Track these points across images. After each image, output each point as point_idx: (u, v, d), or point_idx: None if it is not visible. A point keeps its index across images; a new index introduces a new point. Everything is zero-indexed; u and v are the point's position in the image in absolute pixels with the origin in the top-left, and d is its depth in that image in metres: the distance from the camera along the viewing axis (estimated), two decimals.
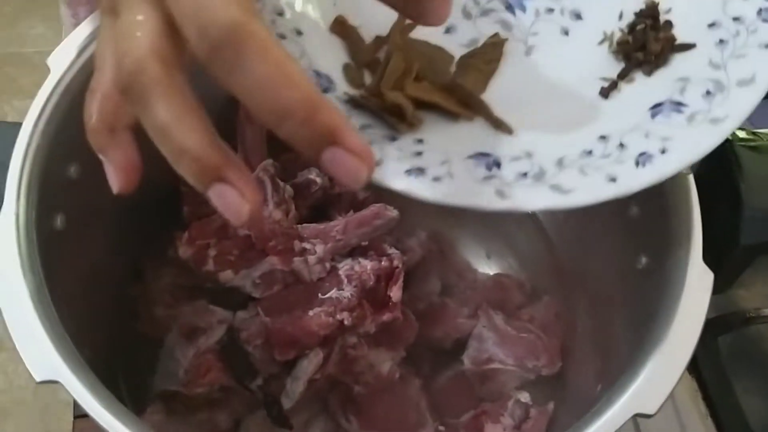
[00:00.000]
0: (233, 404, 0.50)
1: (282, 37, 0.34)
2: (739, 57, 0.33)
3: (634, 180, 0.32)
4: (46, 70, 0.44)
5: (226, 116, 0.41)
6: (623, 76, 0.36)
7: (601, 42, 0.37)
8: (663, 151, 0.32)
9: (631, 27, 0.37)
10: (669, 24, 0.36)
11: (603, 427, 0.36)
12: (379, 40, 0.36)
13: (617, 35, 0.37)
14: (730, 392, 0.61)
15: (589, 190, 0.31)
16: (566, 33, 0.37)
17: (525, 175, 0.32)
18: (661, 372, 0.37)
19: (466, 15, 0.38)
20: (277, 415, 0.50)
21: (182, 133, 0.24)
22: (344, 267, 0.50)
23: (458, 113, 0.34)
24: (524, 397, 0.52)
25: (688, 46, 0.35)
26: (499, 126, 0.34)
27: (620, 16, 0.37)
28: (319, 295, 0.49)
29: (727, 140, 0.33)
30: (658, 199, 0.35)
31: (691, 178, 0.41)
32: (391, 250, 0.52)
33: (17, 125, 0.42)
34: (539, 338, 0.53)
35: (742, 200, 0.51)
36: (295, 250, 0.49)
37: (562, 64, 0.37)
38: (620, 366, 0.42)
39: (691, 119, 0.33)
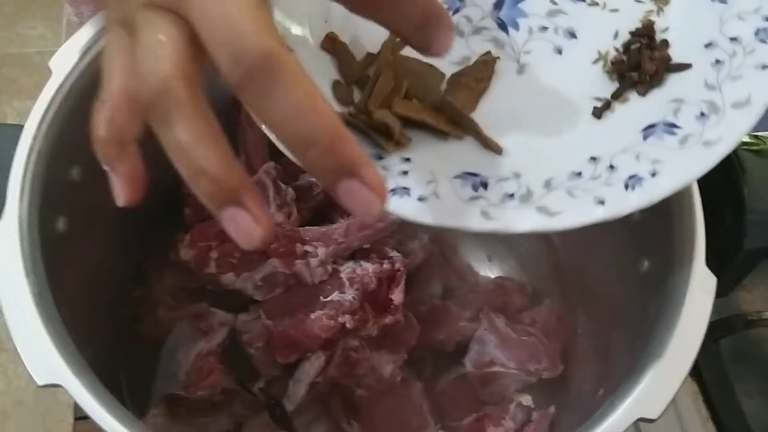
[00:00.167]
0: (235, 407, 0.50)
1: None
2: (735, 78, 0.33)
3: (623, 203, 0.31)
4: (47, 71, 0.43)
5: (228, 119, 0.41)
6: (617, 96, 0.35)
7: (595, 61, 0.36)
8: (653, 174, 0.31)
9: (626, 46, 0.36)
10: (665, 43, 0.36)
11: None
12: (369, 57, 0.35)
13: (612, 54, 0.36)
14: (731, 395, 0.61)
15: (576, 212, 0.31)
16: (560, 52, 0.37)
17: (512, 196, 0.32)
18: (664, 377, 0.37)
19: (459, 33, 0.37)
20: (279, 418, 0.50)
21: (202, 153, 0.25)
22: (346, 270, 0.50)
23: (447, 132, 0.34)
24: (526, 400, 0.52)
25: (683, 66, 0.35)
26: (489, 145, 0.34)
27: (615, 35, 0.37)
28: (321, 297, 0.49)
29: None
30: (660, 203, 0.35)
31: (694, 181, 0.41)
32: (393, 253, 0.52)
33: (19, 127, 0.42)
34: (541, 341, 0.53)
35: (745, 204, 0.51)
36: (296, 253, 0.49)
37: (555, 84, 0.36)
38: (622, 370, 0.42)
39: (683, 141, 0.32)
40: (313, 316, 0.48)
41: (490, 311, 0.54)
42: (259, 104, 0.24)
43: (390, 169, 0.33)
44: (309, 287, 0.50)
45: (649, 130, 0.33)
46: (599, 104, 0.35)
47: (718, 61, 0.33)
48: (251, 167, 0.53)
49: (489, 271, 0.60)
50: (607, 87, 0.36)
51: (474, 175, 0.33)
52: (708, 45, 0.34)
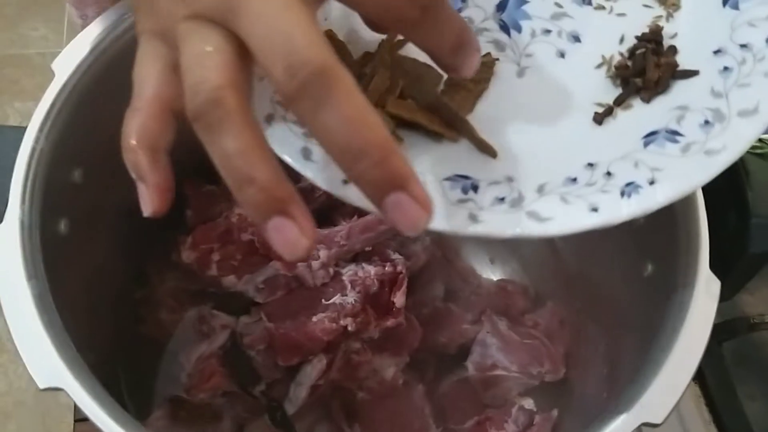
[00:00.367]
0: (236, 410, 0.50)
1: None
2: (742, 86, 0.32)
3: (617, 211, 0.30)
4: (48, 72, 0.43)
5: None
6: (620, 102, 0.34)
7: (599, 66, 0.35)
8: (651, 182, 0.30)
9: (632, 51, 0.35)
10: (673, 50, 0.35)
11: None
12: (366, 56, 0.35)
13: (616, 59, 0.35)
14: (733, 398, 0.60)
15: (567, 219, 0.30)
16: (562, 55, 0.36)
17: (502, 200, 0.31)
18: (668, 382, 0.37)
19: None
20: (280, 421, 0.50)
21: (252, 163, 0.25)
22: (348, 272, 0.50)
23: (441, 134, 0.33)
24: (528, 403, 0.52)
25: (690, 73, 0.34)
26: (484, 148, 0.33)
27: (621, 40, 0.36)
28: (323, 300, 0.49)
29: None
30: (664, 207, 0.35)
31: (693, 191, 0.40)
32: (395, 256, 0.51)
33: (21, 129, 0.42)
34: (543, 344, 0.53)
35: (750, 208, 0.50)
36: None
37: (556, 88, 0.35)
38: (626, 374, 0.42)
39: (685, 150, 0.31)
40: (314, 318, 0.48)
41: (492, 314, 0.54)
42: (312, 116, 0.25)
43: None
44: (311, 290, 0.50)
45: (650, 137, 0.32)
46: (601, 110, 0.34)
47: (726, 69, 0.33)
48: None
49: (491, 273, 0.60)
50: (609, 92, 0.35)
51: (465, 177, 0.32)
52: (717, 52, 0.33)
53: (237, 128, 0.25)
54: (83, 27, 0.45)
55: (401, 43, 0.34)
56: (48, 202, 0.41)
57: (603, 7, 0.37)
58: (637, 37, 0.36)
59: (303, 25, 0.25)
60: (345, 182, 0.30)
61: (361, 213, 0.52)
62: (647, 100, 0.34)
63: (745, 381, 0.62)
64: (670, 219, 0.41)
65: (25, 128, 0.42)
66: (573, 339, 0.54)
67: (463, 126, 0.33)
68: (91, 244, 0.47)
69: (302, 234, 0.25)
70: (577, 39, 0.36)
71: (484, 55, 0.37)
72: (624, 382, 0.41)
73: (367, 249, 0.52)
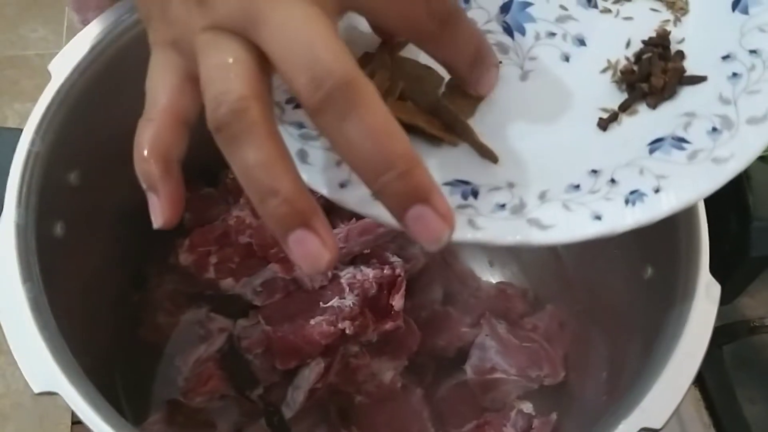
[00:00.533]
0: (233, 413, 0.50)
1: None
2: (752, 93, 0.31)
3: (621, 220, 0.29)
4: (48, 73, 0.43)
5: None
6: (625, 107, 0.33)
7: (604, 70, 0.35)
8: (656, 190, 0.30)
9: (638, 56, 0.34)
10: (680, 54, 0.34)
11: None
12: (367, 56, 0.34)
13: (622, 64, 0.35)
14: (733, 402, 0.60)
15: (569, 227, 0.29)
16: (567, 59, 0.35)
17: (503, 206, 0.30)
18: (668, 386, 0.36)
19: None
20: (277, 425, 0.50)
21: (275, 175, 0.25)
22: (346, 275, 0.50)
23: (440, 137, 0.33)
24: (527, 407, 0.52)
25: (698, 79, 0.33)
26: (484, 153, 0.32)
27: (627, 44, 0.35)
28: (321, 303, 0.49)
29: None
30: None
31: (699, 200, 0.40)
32: (394, 258, 0.51)
33: (17, 131, 0.42)
34: (542, 347, 0.53)
35: (751, 212, 0.50)
36: None
37: (560, 92, 0.34)
38: (626, 377, 0.42)
39: (692, 157, 0.30)
40: (312, 321, 0.48)
41: (491, 317, 0.54)
42: (336, 128, 0.25)
43: None
44: (309, 293, 0.50)
45: (656, 144, 0.31)
46: (605, 115, 0.33)
47: (735, 74, 0.32)
48: None
49: (491, 276, 0.60)
50: (615, 97, 0.34)
51: (465, 183, 0.31)
52: (725, 57, 0.33)
53: (260, 139, 0.25)
54: None
55: (402, 44, 0.34)
56: (44, 204, 0.41)
57: (609, 11, 0.36)
58: (643, 42, 0.35)
59: (325, 36, 0.25)
60: (342, 185, 0.30)
61: (359, 215, 0.52)
62: (653, 105, 0.33)
63: (745, 384, 0.61)
64: (671, 222, 0.41)
65: (21, 130, 0.42)
66: (572, 342, 0.54)
67: (463, 130, 0.33)
68: (88, 247, 0.47)
69: (324, 247, 0.25)
70: (582, 42, 0.36)
71: None
72: (624, 386, 0.40)
73: (365, 252, 0.52)
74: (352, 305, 0.48)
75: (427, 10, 0.28)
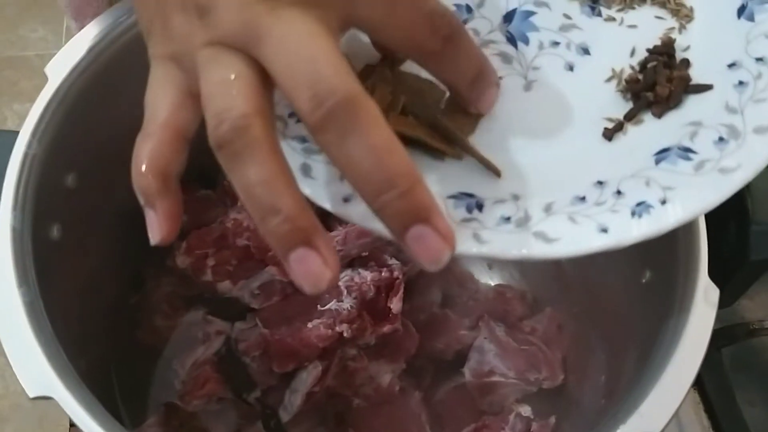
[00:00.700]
0: (231, 417, 0.50)
1: None
2: (759, 101, 0.31)
3: (627, 232, 0.29)
4: (46, 75, 0.43)
5: None
6: (631, 117, 0.33)
7: (609, 79, 0.34)
8: (663, 202, 0.29)
9: (643, 64, 0.34)
10: (686, 63, 0.33)
11: None
12: (368, 69, 0.34)
13: (627, 72, 0.34)
14: (733, 405, 0.60)
15: (575, 240, 0.29)
16: (571, 68, 0.35)
17: (508, 219, 0.30)
18: (667, 390, 0.36)
19: None
20: (274, 428, 0.50)
21: (277, 192, 0.25)
22: (344, 278, 0.50)
23: (443, 151, 0.32)
24: (525, 410, 0.52)
25: (704, 87, 0.32)
26: (488, 166, 0.32)
27: (632, 53, 0.34)
28: (319, 306, 0.49)
29: None
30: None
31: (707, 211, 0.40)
32: (392, 261, 0.51)
33: (14, 133, 0.42)
34: (541, 350, 0.53)
35: (749, 215, 0.50)
36: None
37: (564, 102, 0.34)
38: (625, 381, 0.42)
39: (698, 167, 0.30)
40: (310, 324, 0.48)
41: (490, 320, 0.54)
42: (337, 146, 0.24)
43: None
44: (306, 295, 0.49)
45: (662, 154, 0.31)
46: (610, 125, 0.33)
47: (741, 83, 0.31)
48: None
49: (489, 278, 0.59)
50: (620, 107, 0.33)
51: (469, 195, 0.31)
52: (731, 65, 0.32)
53: (262, 156, 0.25)
54: None
55: (403, 59, 0.34)
56: (40, 207, 0.41)
57: (613, 19, 0.36)
58: (648, 50, 0.34)
59: (327, 53, 0.25)
60: (345, 200, 0.30)
61: None
62: (659, 115, 0.33)
63: (744, 387, 0.61)
64: None
65: (18, 132, 0.42)
66: (571, 345, 0.54)
67: (464, 145, 0.33)
68: (84, 250, 0.46)
69: (325, 266, 0.25)
70: (586, 51, 0.35)
71: None
72: (622, 389, 0.40)
73: (363, 254, 0.51)
74: (349, 308, 0.48)
75: (430, 28, 0.28)
